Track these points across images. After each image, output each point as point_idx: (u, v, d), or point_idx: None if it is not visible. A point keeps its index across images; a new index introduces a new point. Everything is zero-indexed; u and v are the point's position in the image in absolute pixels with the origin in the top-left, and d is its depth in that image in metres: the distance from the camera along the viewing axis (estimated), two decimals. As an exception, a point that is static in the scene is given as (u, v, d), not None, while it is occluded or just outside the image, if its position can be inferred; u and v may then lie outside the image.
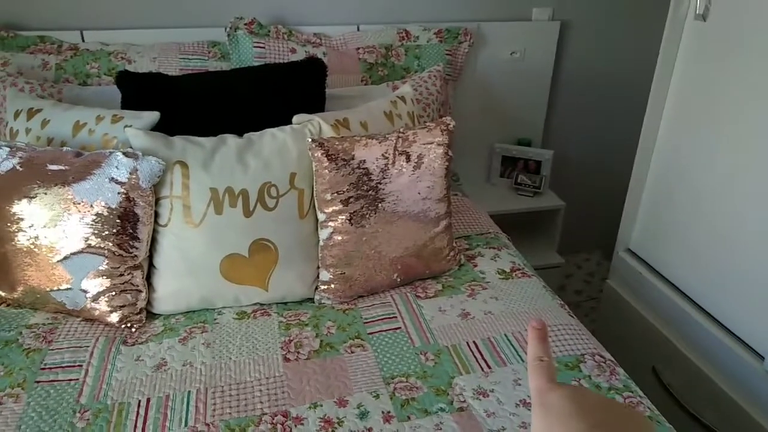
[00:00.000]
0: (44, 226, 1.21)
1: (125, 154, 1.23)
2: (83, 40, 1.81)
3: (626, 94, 2.38)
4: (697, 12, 1.50)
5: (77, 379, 1.11)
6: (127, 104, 1.48)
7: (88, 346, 1.20)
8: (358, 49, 1.89)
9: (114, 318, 1.25)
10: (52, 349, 1.18)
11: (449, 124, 1.39)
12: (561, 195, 2.29)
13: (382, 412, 1.05)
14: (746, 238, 1.41)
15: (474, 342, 1.23)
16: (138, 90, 1.48)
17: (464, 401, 1.08)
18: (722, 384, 1.49)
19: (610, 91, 2.38)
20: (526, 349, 1.21)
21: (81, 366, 1.15)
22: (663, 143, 1.70)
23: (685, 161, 1.60)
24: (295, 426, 1.02)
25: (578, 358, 1.18)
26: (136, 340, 1.23)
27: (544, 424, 0.38)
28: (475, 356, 1.19)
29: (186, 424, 1.02)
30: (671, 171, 1.67)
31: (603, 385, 1.12)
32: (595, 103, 2.40)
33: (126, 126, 1.33)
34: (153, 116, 1.39)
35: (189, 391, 1.09)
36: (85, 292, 1.24)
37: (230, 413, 1.04)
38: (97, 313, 1.25)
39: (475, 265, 1.50)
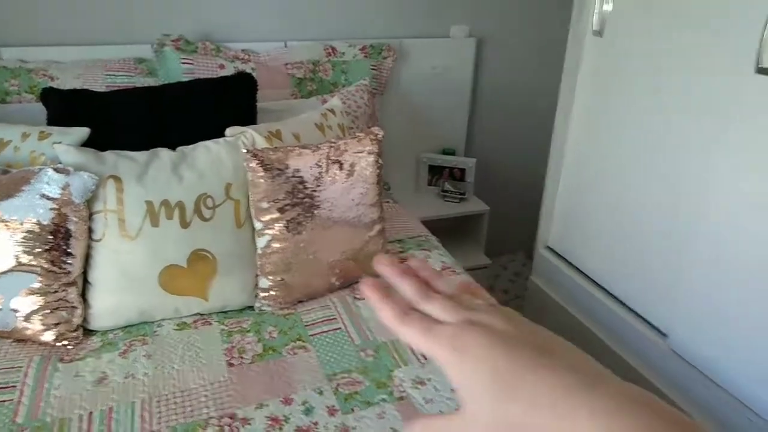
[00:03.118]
0: (-30, 246, 1.17)
1: (56, 170, 1.22)
2: (0, 57, 1.76)
3: (539, 103, 2.57)
4: (594, 29, 1.68)
5: (11, 400, 1.09)
6: (53, 121, 1.46)
7: (21, 367, 1.17)
8: (287, 64, 1.95)
9: (48, 336, 1.22)
10: (-19, 373, 1.15)
11: (378, 134, 1.47)
12: (485, 200, 2.43)
13: (327, 407, 1.10)
14: (647, 230, 1.58)
15: (410, 336, 1.30)
16: (64, 107, 1.47)
17: (404, 391, 1.15)
18: (633, 362, 1.65)
19: (524, 100, 2.56)
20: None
21: (15, 387, 1.12)
22: (572, 149, 1.86)
23: (592, 164, 1.77)
24: (243, 426, 1.05)
25: (506, 344, 1.28)
26: (74, 357, 1.21)
27: (474, 366, 0.31)
28: (412, 349, 1.27)
29: (132, 433, 1.02)
30: (580, 173, 1.83)
31: (529, 366, 1.22)
32: (512, 113, 2.57)
33: (55, 142, 1.32)
34: (82, 132, 1.38)
35: (133, 402, 1.09)
36: (16, 311, 1.21)
37: (176, 419, 1.06)
38: (29, 332, 1.22)
39: (408, 266, 1.58)
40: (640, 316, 1.65)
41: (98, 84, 1.72)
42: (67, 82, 1.69)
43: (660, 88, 1.48)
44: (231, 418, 1.07)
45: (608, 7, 1.63)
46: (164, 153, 1.37)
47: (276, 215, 1.36)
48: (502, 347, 0.32)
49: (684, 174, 1.44)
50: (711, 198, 1.36)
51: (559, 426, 0.29)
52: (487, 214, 2.37)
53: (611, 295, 1.75)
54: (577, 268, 1.89)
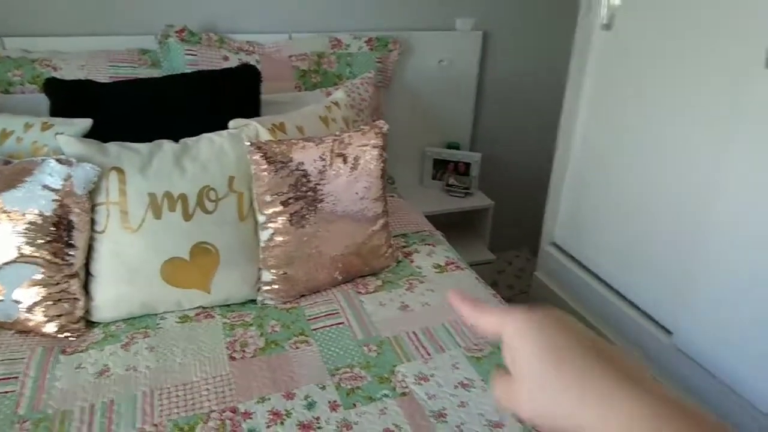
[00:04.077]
0: (-28, 237, 1.17)
1: (59, 161, 1.21)
2: (3, 47, 1.75)
3: (546, 97, 2.54)
4: (603, 22, 1.66)
5: (13, 391, 1.09)
6: (55, 112, 1.46)
7: (23, 358, 1.17)
8: (291, 56, 1.93)
9: (51, 328, 1.22)
10: (-17, 364, 1.14)
11: (383, 128, 1.45)
12: (490, 195, 2.41)
13: (329, 402, 1.10)
14: (654, 227, 1.56)
15: (414, 332, 1.30)
16: (67, 97, 1.46)
17: (406, 387, 1.14)
18: (639, 360, 1.63)
19: (531, 95, 2.54)
20: (461, 336, 1.29)
21: (17, 378, 1.12)
22: (578, 144, 1.85)
23: (599, 159, 1.75)
24: (244, 420, 1.05)
25: (510, 341, 1.27)
26: (76, 349, 1.21)
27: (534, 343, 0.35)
28: (415, 345, 1.26)
29: (133, 426, 1.02)
30: (587, 169, 1.82)
31: (532, 363, 1.21)
32: (518, 107, 2.55)
33: (57, 133, 1.31)
34: (85, 123, 1.37)
35: (135, 395, 1.09)
36: (18, 303, 1.20)
37: (178, 413, 1.05)
38: (32, 323, 1.22)
39: (412, 261, 1.57)
40: (646, 314, 1.63)
41: (102, 75, 1.71)
42: (70, 72, 1.69)
43: (669, 83, 1.46)
44: (232, 411, 1.06)
45: (617, 1, 1.60)
46: (167, 145, 1.36)
47: (279, 208, 1.35)
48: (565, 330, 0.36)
49: (692, 171, 1.42)
50: (719, 196, 1.34)
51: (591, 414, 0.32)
52: (492, 209, 2.36)
53: (617, 291, 1.74)
54: (583, 265, 1.88)
